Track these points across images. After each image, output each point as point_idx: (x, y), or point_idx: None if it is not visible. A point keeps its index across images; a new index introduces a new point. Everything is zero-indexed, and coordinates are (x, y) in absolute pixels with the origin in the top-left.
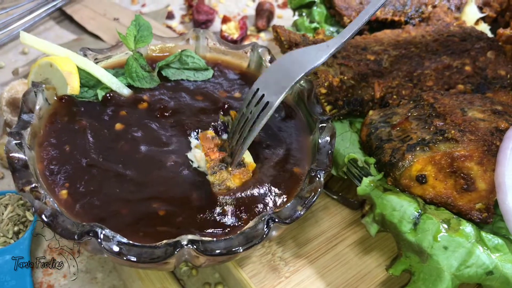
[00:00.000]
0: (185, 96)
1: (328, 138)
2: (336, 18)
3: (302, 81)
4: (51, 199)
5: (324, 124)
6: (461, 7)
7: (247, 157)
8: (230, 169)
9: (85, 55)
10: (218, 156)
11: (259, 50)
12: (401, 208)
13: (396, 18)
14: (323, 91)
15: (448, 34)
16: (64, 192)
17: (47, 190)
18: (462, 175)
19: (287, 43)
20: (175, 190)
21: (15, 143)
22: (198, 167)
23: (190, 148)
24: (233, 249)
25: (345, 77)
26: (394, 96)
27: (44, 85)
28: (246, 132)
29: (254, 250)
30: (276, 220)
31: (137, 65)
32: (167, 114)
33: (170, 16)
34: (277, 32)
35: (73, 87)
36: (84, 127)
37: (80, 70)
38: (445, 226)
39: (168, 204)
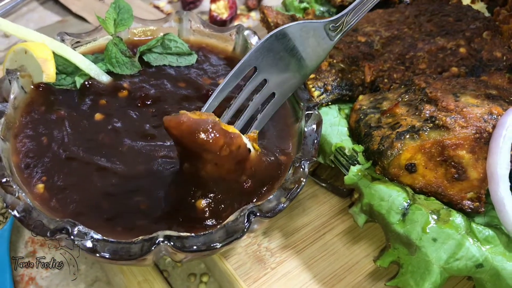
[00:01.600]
0: (167, 83)
1: (314, 127)
2: None
3: None
4: (24, 194)
5: (310, 112)
6: None
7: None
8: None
9: (62, 40)
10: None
11: (245, 33)
12: (390, 198)
13: None
14: (311, 75)
15: (443, 14)
16: (40, 186)
17: (22, 183)
18: (453, 163)
19: (274, 25)
20: (156, 183)
21: None
22: None
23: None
24: (212, 245)
25: (334, 61)
26: (385, 80)
27: (19, 73)
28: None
29: (236, 244)
30: (258, 213)
31: (116, 50)
32: (148, 102)
33: None
34: (264, 13)
35: (49, 74)
36: (62, 117)
37: (57, 56)
38: (435, 217)
39: (148, 198)
